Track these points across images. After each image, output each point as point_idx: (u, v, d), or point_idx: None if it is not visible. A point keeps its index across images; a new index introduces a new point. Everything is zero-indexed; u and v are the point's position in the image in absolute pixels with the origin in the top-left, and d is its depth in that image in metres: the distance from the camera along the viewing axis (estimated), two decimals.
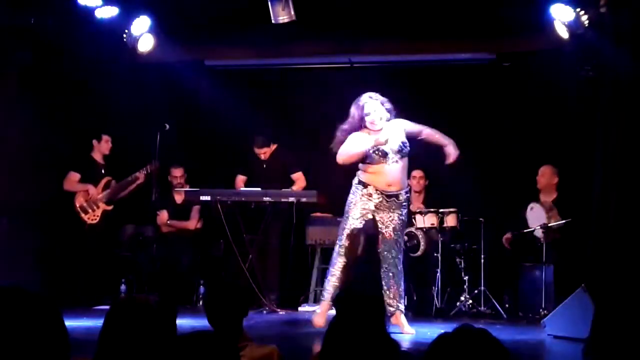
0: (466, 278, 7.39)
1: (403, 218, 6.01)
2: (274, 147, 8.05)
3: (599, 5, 6.49)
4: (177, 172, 8.25)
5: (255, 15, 7.29)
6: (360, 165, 6.02)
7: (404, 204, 6.02)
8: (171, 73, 8.24)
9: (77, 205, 7.82)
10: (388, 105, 6.10)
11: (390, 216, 5.92)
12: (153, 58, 7.90)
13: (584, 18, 6.62)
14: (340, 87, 8.82)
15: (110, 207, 7.93)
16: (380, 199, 5.90)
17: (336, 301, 3.03)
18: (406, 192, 6.07)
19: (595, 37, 6.63)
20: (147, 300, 2.39)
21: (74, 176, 7.91)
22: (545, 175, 7.46)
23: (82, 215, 7.83)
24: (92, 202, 7.86)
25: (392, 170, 5.92)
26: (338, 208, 8.18)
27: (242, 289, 3.45)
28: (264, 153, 7.92)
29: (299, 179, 8.02)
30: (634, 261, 5.81)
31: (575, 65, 6.88)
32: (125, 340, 2.24)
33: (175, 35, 7.82)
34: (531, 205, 7.35)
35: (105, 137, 8.04)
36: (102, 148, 8.06)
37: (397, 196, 5.93)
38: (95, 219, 7.87)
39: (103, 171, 8.04)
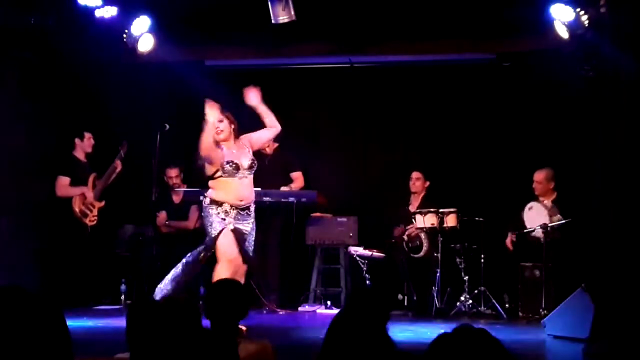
0: (466, 278, 7.39)
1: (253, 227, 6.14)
2: (274, 145, 8.05)
3: (599, 5, 6.50)
4: (172, 173, 8.24)
5: (255, 15, 7.29)
6: (210, 182, 6.05)
7: (252, 216, 6.13)
8: (171, 73, 8.24)
9: (77, 211, 7.69)
10: (234, 123, 6.11)
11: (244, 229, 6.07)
12: (153, 58, 7.91)
13: (584, 18, 6.63)
14: (340, 87, 8.85)
15: (102, 203, 7.85)
16: (235, 214, 6.01)
17: (346, 298, 3.05)
18: (254, 204, 6.18)
19: (595, 37, 6.64)
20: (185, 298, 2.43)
21: (64, 180, 7.76)
22: (541, 182, 7.45)
23: (83, 219, 7.75)
24: (88, 203, 7.79)
25: (242, 185, 6.02)
26: (338, 208, 8.22)
27: (245, 288, 3.47)
28: (269, 146, 7.91)
29: (298, 179, 8.03)
30: (633, 261, 5.82)
31: (575, 65, 6.89)
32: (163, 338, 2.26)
33: (175, 35, 7.82)
34: (530, 204, 7.35)
35: (87, 135, 7.92)
36: (84, 146, 7.95)
37: (248, 209, 6.07)
38: (94, 220, 7.82)
39: (88, 169, 7.95)
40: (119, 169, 7.94)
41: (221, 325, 3.19)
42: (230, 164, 5.92)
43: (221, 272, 5.80)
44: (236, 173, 5.94)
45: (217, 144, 5.97)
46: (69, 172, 7.81)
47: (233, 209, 5.94)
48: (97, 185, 7.89)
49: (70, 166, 7.87)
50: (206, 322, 3.02)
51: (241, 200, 5.98)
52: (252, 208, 6.09)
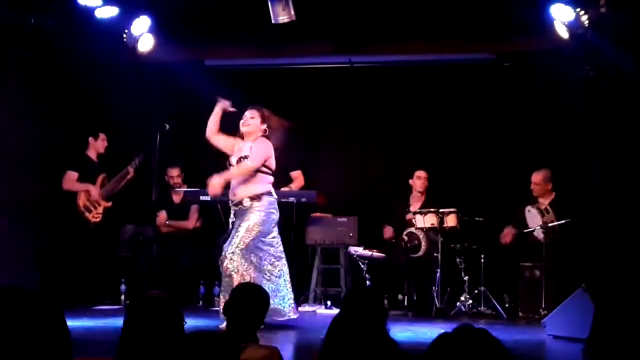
0: (466, 278, 7.39)
1: (249, 223, 5.99)
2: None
3: (599, 5, 6.50)
4: (174, 172, 8.25)
5: (255, 15, 7.29)
6: None
7: (251, 210, 6.02)
8: (171, 73, 8.24)
9: (81, 205, 7.82)
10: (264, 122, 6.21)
11: (238, 223, 6.04)
12: (153, 58, 7.90)
13: (584, 18, 6.62)
14: (340, 87, 8.84)
15: (110, 204, 7.94)
16: (234, 210, 6.13)
17: (342, 300, 3.06)
18: (252, 199, 6.05)
19: (595, 37, 6.63)
20: (162, 295, 2.43)
21: (72, 175, 7.90)
22: (539, 183, 7.47)
23: (86, 214, 7.83)
24: (93, 200, 7.87)
25: (232, 182, 6.11)
26: (338, 208, 8.23)
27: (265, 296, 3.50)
28: None
29: (298, 178, 8.03)
30: (633, 261, 5.81)
31: (575, 65, 6.88)
32: (146, 336, 2.26)
33: (175, 35, 7.82)
34: (528, 208, 7.39)
35: (102, 135, 8.04)
36: (97, 146, 8.05)
37: (240, 203, 6.07)
38: (99, 217, 7.88)
39: (98, 169, 8.03)
40: (130, 175, 8.02)
41: (238, 329, 3.21)
42: (228, 162, 6.17)
43: None
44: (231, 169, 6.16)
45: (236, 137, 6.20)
46: (78, 168, 7.91)
47: (233, 205, 6.13)
48: (107, 186, 7.94)
49: (81, 163, 7.97)
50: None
51: (234, 195, 6.09)
52: (247, 202, 6.04)
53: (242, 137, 6.23)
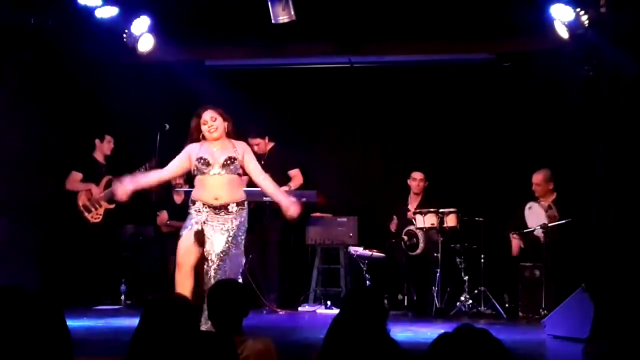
0: (466, 278, 7.39)
1: (236, 229, 5.64)
2: (270, 144, 8.04)
3: (599, 5, 6.50)
4: None
5: (255, 15, 7.29)
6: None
7: (235, 216, 5.64)
8: (171, 73, 8.24)
9: (80, 204, 7.85)
10: (227, 121, 5.80)
11: (218, 226, 5.63)
12: (153, 58, 7.90)
13: (584, 18, 6.63)
14: (340, 87, 8.85)
15: (112, 206, 7.95)
16: (208, 212, 5.64)
17: (342, 299, 3.06)
18: (238, 205, 5.67)
19: (595, 37, 6.64)
20: (182, 298, 2.44)
21: (76, 175, 7.94)
22: (540, 184, 7.45)
23: (85, 214, 7.85)
24: (94, 201, 7.89)
25: (216, 183, 5.64)
26: (338, 208, 8.23)
27: (244, 286, 3.50)
28: (257, 145, 7.80)
29: (296, 177, 8.01)
30: (633, 261, 5.82)
31: (575, 65, 6.88)
32: (161, 338, 2.26)
33: (175, 35, 7.82)
34: (529, 204, 7.36)
35: (108, 137, 8.08)
36: (104, 148, 8.09)
37: (226, 208, 5.62)
38: (98, 218, 7.89)
39: (104, 171, 8.07)
40: None
41: (223, 324, 3.23)
42: (200, 160, 5.65)
43: (177, 277, 5.68)
44: (205, 169, 5.63)
45: (199, 140, 5.74)
46: (83, 168, 7.93)
47: (205, 207, 5.62)
48: (110, 188, 7.95)
49: (86, 164, 8.00)
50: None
51: (216, 199, 5.60)
52: (234, 207, 5.65)
53: (203, 139, 5.73)
